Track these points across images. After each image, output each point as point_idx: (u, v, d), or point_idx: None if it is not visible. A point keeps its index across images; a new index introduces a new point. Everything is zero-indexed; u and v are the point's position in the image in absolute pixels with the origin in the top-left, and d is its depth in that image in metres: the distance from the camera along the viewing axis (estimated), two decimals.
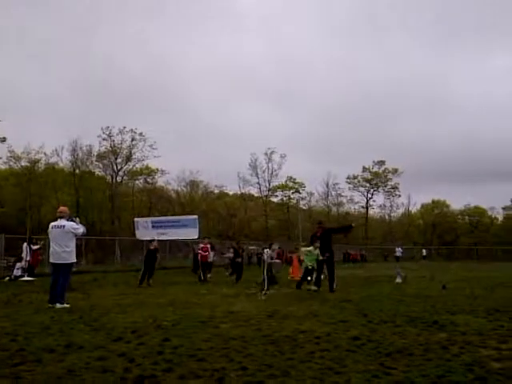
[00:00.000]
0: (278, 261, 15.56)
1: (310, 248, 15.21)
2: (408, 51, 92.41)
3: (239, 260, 19.78)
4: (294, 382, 4.78)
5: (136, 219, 23.09)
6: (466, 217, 74.86)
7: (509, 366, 5.34)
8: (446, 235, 69.60)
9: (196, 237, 20.82)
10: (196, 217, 21.71)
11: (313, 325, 8.10)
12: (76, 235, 11.09)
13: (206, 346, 6.37)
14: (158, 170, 53.64)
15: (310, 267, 15.05)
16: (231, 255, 21.14)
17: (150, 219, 23.54)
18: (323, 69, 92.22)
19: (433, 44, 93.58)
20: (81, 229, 11.04)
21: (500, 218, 74.84)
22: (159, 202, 53.33)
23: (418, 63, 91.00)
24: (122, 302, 11.42)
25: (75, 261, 11.42)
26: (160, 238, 20.10)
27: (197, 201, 55.65)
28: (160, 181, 55.54)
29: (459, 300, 11.85)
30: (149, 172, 53.56)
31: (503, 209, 73.35)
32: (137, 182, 54.72)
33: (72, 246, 10.89)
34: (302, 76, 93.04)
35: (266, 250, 15.25)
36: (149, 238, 20.04)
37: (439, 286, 15.61)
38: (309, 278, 15.09)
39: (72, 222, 11.02)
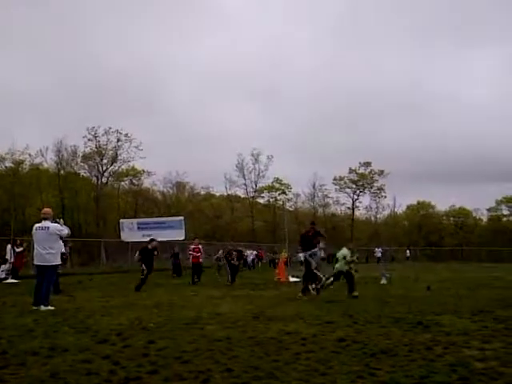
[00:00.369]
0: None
1: (346, 252, 14.11)
2: (392, 54, 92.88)
3: (236, 263, 19.47)
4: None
5: (121, 221, 23.04)
6: (451, 218, 75.41)
7: (492, 367, 5.39)
8: (431, 236, 70.07)
9: (182, 238, 20.78)
10: (182, 218, 21.69)
11: (299, 326, 8.12)
12: (61, 237, 11.02)
13: (192, 347, 6.36)
14: (143, 171, 53.40)
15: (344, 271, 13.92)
16: (220, 257, 20.88)
17: (135, 221, 23.51)
18: (311, 70, 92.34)
19: (417, 47, 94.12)
20: (65, 230, 10.97)
21: (484, 219, 75.57)
22: (145, 204, 53.10)
23: (405, 65, 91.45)
24: (107, 304, 11.36)
25: (60, 263, 11.34)
26: (145, 240, 20.01)
27: (183, 202, 55.50)
28: (146, 182, 55.25)
29: (444, 301, 11.95)
30: (134, 173, 53.27)
31: (488, 210, 74.09)
32: (122, 183, 54.38)
33: (57, 247, 10.80)
34: (290, 77, 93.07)
35: (316, 250, 13.32)
36: (136, 240, 19.97)
37: (424, 287, 15.73)
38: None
39: (56, 224, 10.93)
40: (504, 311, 9.97)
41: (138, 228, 21.46)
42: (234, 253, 19.56)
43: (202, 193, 62.42)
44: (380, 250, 49.57)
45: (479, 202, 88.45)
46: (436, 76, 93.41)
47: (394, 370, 5.24)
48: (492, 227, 70.56)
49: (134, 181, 54.38)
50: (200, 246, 19.78)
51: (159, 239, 21.33)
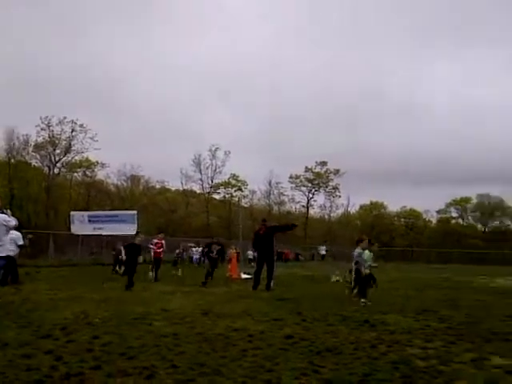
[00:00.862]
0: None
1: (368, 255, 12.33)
2: (346, 53, 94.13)
3: (215, 257, 18.24)
4: (225, 380, 4.78)
5: (72, 213, 22.54)
6: (402, 219, 77.22)
7: (433, 365, 5.54)
8: (383, 236, 71.37)
9: (134, 232, 20.44)
10: (135, 212, 21.38)
11: (247, 323, 8.13)
12: (8, 228, 10.67)
13: (138, 343, 6.28)
14: (97, 162, 52.43)
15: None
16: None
17: (86, 213, 23.04)
18: (269, 67, 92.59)
19: (369, 48, 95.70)
20: (13, 221, 10.62)
21: (434, 221, 77.62)
22: (98, 196, 52.14)
23: (360, 64, 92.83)
24: (54, 297, 11.13)
25: (5, 254, 11.02)
26: (96, 233, 19.68)
27: (137, 195, 54.81)
28: (100, 174, 54.28)
29: (391, 300, 12.19)
30: (88, 164, 52.26)
31: (437, 212, 76.13)
32: (75, 174, 53.29)
33: (4, 239, 10.47)
34: (249, 74, 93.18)
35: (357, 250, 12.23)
36: (86, 233, 19.47)
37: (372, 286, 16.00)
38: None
39: (4, 215, 10.58)
40: (448, 311, 10.27)
41: (89, 221, 21.03)
42: (214, 246, 18.37)
43: (157, 187, 61.83)
44: (324, 247, 50.07)
45: (429, 203, 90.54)
46: (396, 78, 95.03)
47: (338, 367, 5.32)
48: (441, 229, 72.58)
49: (87, 172, 53.36)
50: (163, 241, 19.15)
51: (110, 233, 21.00)
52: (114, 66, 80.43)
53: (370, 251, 12.43)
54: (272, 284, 14.47)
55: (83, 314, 8.55)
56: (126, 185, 56.25)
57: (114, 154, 55.75)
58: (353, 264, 12.60)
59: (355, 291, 12.51)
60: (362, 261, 12.08)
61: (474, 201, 73.05)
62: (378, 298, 12.64)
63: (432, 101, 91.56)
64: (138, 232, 16.68)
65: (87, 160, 51.21)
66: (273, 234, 15.11)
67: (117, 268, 19.98)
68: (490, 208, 71.44)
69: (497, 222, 72.89)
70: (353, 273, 12.73)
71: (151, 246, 18.80)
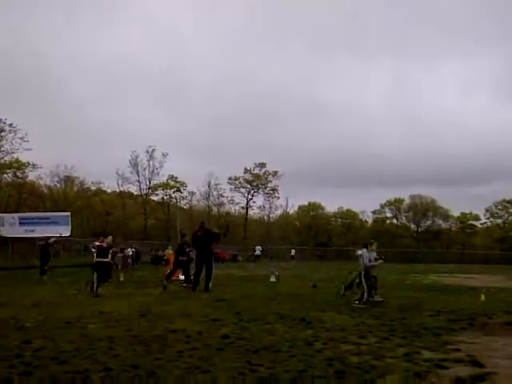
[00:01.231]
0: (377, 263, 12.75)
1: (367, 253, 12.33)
2: (291, 55, 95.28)
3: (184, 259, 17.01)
4: (160, 382, 4.72)
5: (1, 215, 21.67)
6: (339, 219, 78.85)
7: (366, 360, 5.68)
8: (321, 236, 72.75)
9: (68, 234, 19.90)
10: (68, 214, 20.81)
11: (185, 324, 8.06)
12: None
13: (71, 347, 6.10)
14: (29, 163, 50.49)
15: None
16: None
17: (17, 215, 22.24)
18: (212, 68, 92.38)
19: (314, 49, 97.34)
20: None
21: (370, 221, 79.66)
22: (29, 198, 50.21)
23: (300, 68, 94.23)
24: None
25: None
26: (28, 236, 19.02)
27: (71, 197, 53.15)
28: (31, 175, 52.26)
29: (327, 298, 12.41)
30: (19, 165, 50.21)
31: (373, 212, 78.18)
32: (5, 175, 51.06)
33: None
34: (188, 74, 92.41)
35: (362, 251, 12.11)
36: (17, 235, 18.84)
37: (310, 285, 16.26)
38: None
39: None
40: (381, 308, 10.56)
41: (20, 223, 20.30)
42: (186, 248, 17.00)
43: (93, 188, 60.22)
44: (260, 248, 50.28)
45: (365, 204, 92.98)
46: (333, 80, 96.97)
47: (274, 365, 5.36)
48: (376, 228, 74.54)
49: (17, 173, 51.26)
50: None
51: (42, 235, 20.27)
52: (48, 63, 78.03)
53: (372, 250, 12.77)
54: (210, 285, 14.41)
55: (13, 319, 8.23)
56: (59, 186, 54.51)
57: (47, 154, 54.02)
58: (363, 266, 11.97)
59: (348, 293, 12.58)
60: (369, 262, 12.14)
61: (407, 201, 75.53)
62: (315, 296, 12.86)
63: (367, 102, 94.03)
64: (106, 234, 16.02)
65: (17, 161, 49.22)
66: (210, 238, 15.13)
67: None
68: (422, 208, 74.03)
69: (429, 222, 75.64)
70: (362, 276, 11.91)
71: (94, 250, 18.11)
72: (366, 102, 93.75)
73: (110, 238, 15.06)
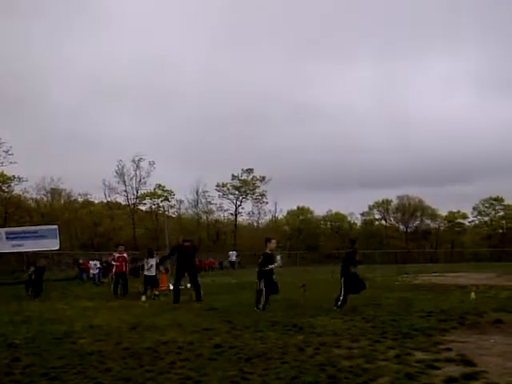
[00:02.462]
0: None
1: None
2: (278, 59, 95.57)
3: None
4: None
5: None
6: (328, 222, 79.05)
7: (358, 364, 5.68)
8: (310, 240, 72.79)
9: (57, 248, 19.72)
10: (56, 227, 20.64)
11: (176, 335, 8.02)
12: None
13: (61, 363, 6.05)
14: (14, 177, 50.05)
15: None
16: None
17: (3, 230, 21.99)
18: (196, 73, 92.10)
19: (302, 53, 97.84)
20: None
21: (358, 223, 79.97)
22: (16, 212, 49.73)
23: (287, 72, 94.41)
24: None
25: None
26: (16, 250, 18.83)
27: (58, 210, 52.78)
28: (17, 189, 51.78)
29: (318, 303, 12.38)
30: (4, 179, 49.80)
31: (361, 215, 78.49)
32: None
33: None
34: (175, 81, 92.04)
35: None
36: (5, 251, 18.65)
37: (301, 290, 16.20)
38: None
39: None
40: (372, 310, 10.57)
41: (7, 238, 20.09)
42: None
43: (80, 200, 59.79)
44: (235, 253, 49.86)
45: (354, 207, 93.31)
46: (319, 83, 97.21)
47: (267, 372, 5.35)
48: (366, 230, 74.81)
49: (3, 187, 50.80)
50: (125, 255, 18.19)
51: (30, 250, 20.11)
52: (32, 75, 77.60)
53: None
54: (202, 294, 14.36)
55: (2, 336, 8.14)
56: (46, 199, 54.12)
57: (32, 167, 53.52)
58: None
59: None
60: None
61: (395, 202, 75.93)
62: (306, 301, 12.82)
63: (354, 103, 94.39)
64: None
65: (2, 175, 48.81)
66: (194, 253, 15.33)
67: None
68: (410, 208, 74.43)
69: (418, 222, 76.06)
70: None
71: (114, 263, 17.90)
72: (353, 104, 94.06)
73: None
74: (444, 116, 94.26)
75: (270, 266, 11.64)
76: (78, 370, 5.66)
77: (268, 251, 11.92)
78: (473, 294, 12.78)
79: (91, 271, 28.24)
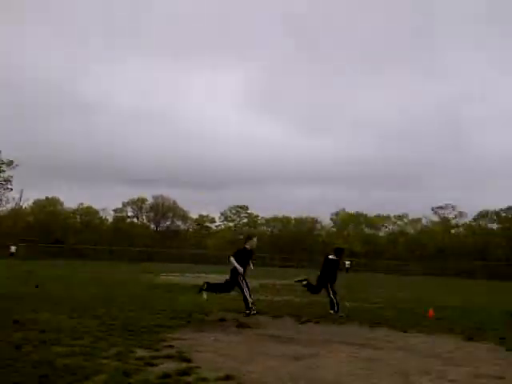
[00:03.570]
0: None
1: None
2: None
3: None
4: None
5: None
6: (78, 216, 76.41)
7: (75, 362, 5.51)
8: (58, 233, 69.03)
9: None
10: None
11: None
12: None
13: None
14: None
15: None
16: None
17: None
18: None
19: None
20: None
21: (110, 219, 78.90)
22: None
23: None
24: None
25: None
26: None
27: None
28: None
29: (49, 299, 11.74)
30: None
31: (114, 211, 77.69)
32: None
33: None
34: None
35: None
36: None
37: (34, 285, 15.26)
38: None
39: None
40: (105, 308, 10.40)
41: None
42: None
43: None
44: None
45: (111, 202, 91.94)
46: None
47: None
48: (116, 227, 74.16)
49: None
50: None
51: None
52: None
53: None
54: None
55: None
56: None
57: None
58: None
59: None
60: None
61: (150, 201, 77.08)
62: (36, 296, 12.17)
63: (119, 99, 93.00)
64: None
65: None
66: None
67: None
68: (164, 209, 76.40)
69: (169, 223, 78.38)
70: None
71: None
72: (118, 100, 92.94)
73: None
74: (204, 123, 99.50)
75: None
76: None
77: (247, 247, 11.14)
78: (205, 295, 13.48)
79: None
